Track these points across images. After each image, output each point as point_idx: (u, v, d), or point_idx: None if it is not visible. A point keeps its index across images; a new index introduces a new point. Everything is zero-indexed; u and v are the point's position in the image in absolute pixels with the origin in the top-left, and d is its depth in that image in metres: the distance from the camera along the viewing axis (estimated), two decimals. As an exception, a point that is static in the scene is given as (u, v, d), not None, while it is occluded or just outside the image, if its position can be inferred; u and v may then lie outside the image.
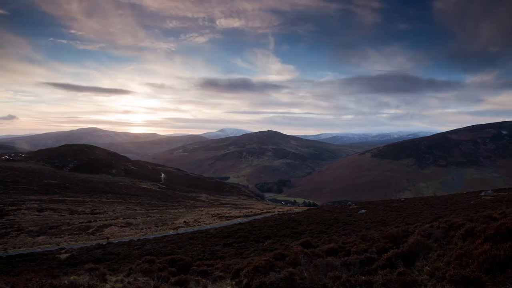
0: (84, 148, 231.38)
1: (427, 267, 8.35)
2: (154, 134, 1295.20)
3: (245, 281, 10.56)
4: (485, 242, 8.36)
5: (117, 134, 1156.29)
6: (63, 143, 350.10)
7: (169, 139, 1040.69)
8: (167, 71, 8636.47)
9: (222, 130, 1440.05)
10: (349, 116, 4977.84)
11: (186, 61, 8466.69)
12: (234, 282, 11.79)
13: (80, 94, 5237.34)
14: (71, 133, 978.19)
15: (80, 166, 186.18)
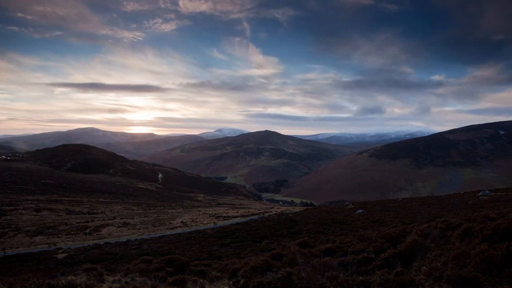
0: (82, 148, 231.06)
1: (424, 267, 8.33)
2: (151, 134, 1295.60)
3: (242, 281, 10.54)
4: (482, 242, 8.36)
5: (114, 134, 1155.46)
6: (60, 143, 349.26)
7: (166, 139, 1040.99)
8: (141, 65, 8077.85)
9: (219, 130, 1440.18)
10: (344, 115, 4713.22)
11: (159, 53, 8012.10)
12: (231, 282, 11.77)
13: (58, 90, 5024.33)
14: (69, 133, 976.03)
15: (77, 166, 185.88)
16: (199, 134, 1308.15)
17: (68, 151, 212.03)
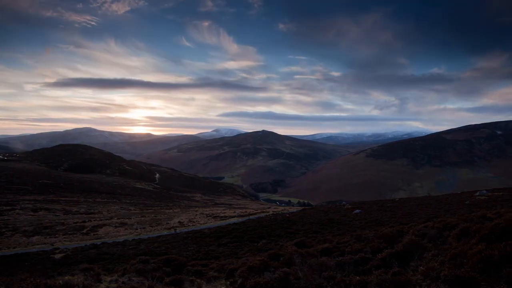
0: (79, 148, 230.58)
1: (421, 267, 8.34)
2: (149, 135, 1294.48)
3: (239, 281, 10.54)
4: (479, 242, 8.38)
5: (111, 134, 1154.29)
6: (58, 143, 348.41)
7: (163, 139, 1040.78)
8: (107, 58, 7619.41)
9: (216, 130, 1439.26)
10: (337, 114, 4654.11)
11: (122, 43, 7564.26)
12: (228, 282, 11.78)
13: (29, 87, 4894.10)
14: (66, 133, 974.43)
15: (74, 166, 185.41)
16: (196, 134, 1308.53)
17: (65, 151, 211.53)
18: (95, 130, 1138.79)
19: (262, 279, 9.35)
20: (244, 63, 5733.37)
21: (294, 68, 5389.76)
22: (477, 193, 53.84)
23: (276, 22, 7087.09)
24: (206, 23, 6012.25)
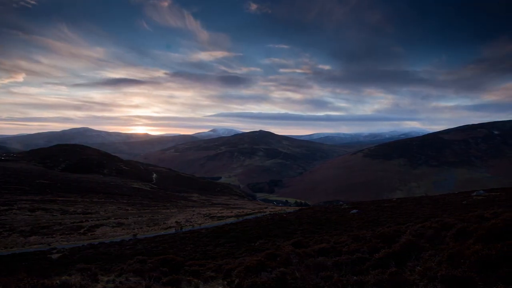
0: (76, 148, 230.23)
1: (418, 267, 8.34)
2: (146, 135, 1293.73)
3: (236, 281, 10.53)
4: (477, 242, 8.38)
5: (108, 134, 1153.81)
6: (55, 143, 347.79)
7: (161, 139, 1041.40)
8: (66, 48, 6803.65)
9: (213, 130, 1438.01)
10: (331, 113, 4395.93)
11: (77, 27, 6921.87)
12: (225, 282, 11.77)
13: None
14: (63, 133, 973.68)
15: (71, 166, 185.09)
16: (194, 134, 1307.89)
17: (63, 151, 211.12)
18: (92, 130, 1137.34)
19: (259, 279, 9.34)
20: (219, 54, 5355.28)
21: (277, 60, 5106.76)
22: (474, 193, 53.90)
23: (247, 0, 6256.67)
24: (165, 3, 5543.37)
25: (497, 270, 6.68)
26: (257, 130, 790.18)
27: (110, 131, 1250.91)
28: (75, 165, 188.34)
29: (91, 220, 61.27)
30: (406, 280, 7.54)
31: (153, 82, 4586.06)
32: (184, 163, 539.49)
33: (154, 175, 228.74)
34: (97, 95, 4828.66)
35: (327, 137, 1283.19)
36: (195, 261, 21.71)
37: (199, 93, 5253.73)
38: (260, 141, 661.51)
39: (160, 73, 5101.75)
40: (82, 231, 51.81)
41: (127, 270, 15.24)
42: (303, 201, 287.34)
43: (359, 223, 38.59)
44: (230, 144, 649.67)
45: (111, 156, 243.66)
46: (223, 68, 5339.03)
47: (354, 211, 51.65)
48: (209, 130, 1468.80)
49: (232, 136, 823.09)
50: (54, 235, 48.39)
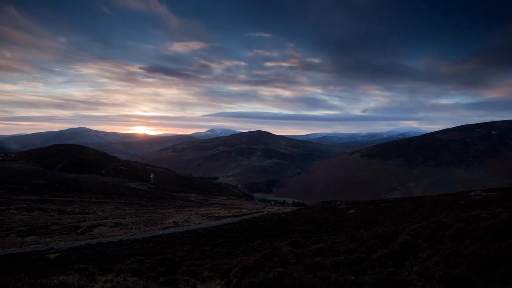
0: (74, 148, 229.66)
1: (416, 267, 8.35)
2: (145, 135, 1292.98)
3: (234, 281, 10.53)
4: (474, 242, 8.40)
5: (106, 134, 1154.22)
6: (52, 143, 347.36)
7: (158, 139, 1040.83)
8: (25, 39, 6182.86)
9: (211, 130, 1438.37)
10: (326, 112, 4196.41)
11: (27, 11, 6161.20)
12: (223, 282, 11.76)
13: None
14: (61, 133, 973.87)
15: (69, 166, 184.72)
16: (191, 134, 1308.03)
17: (60, 151, 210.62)
18: (89, 130, 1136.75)
19: (257, 279, 9.34)
20: (195, 45, 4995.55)
21: (261, 52, 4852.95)
22: (472, 193, 54.00)
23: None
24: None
25: (495, 270, 6.69)
26: (255, 130, 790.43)
27: (107, 131, 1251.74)
28: (73, 165, 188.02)
29: (89, 220, 61.15)
30: (404, 280, 7.54)
31: (132, 79, 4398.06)
32: (181, 163, 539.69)
33: (152, 175, 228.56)
34: (77, 93, 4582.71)
35: (325, 137, 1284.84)
36: (193, 261, 21.74)
37: (183, 91, 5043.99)
38: (257, 141, 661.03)
39: (135, 68, 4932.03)
40: (79, 231, 51.72)
41: (124, 270, 15.24)
42: (300, 201, 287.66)
43: (356, 223, 38.66)
44: (228, 144, 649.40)
45: (109, 156, 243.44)
46: (203, 61, 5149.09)
47: (352, 211, 51.71)
48: (207, 130, 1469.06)
49: (229, 136, 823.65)
50: (51, 235, 48.32)
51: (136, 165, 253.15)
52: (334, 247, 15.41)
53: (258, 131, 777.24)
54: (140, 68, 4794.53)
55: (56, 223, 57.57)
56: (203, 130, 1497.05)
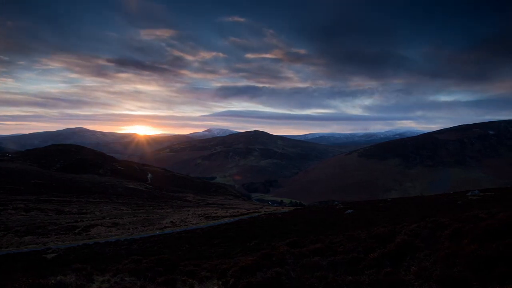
0: (71, 148, 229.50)
1: (414, 267, 8.34)
2: (142, 135, 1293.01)
3: (232, 281, 10.52)
4: (472, 242, 8.39)
5: (103, 134, 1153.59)
6: (50, 143, 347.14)
7: (156, 139, 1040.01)
8: None
9: (208, 130, 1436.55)
10: (318, 110, 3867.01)
11: None
12: (221, 282, 11.75)
13: None
14: (58, 133, 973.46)
15: (67, 166, 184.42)
16: (189, 134, 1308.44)
17: (58, 151, 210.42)
18: (87, 130, 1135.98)
19: (254, 279, 9.33)
20: (163, 33, 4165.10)
21: (238, 41, 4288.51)
22: (469, 193, 54.04)
23: None
24: None
25: (493, 270, 6.69)
26: (252, 130, 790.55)
27: (105, 131, 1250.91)
28: (70, 165, 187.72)
29: (86, 220, 61.09)
30: (401, 280, 7.54)
31: (103, 74, 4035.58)
32: (179, 163, 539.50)
33: (149, 175, 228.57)
34: (53, 90, 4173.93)
35: (322, 137, 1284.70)
36: (190, 261, 21.69)
37: (164, 87, 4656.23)
38: (255, 141, 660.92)
39: (103, 61, 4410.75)
40: (77, 231, 51.67)
41: (122, 270, 15.21)
42: (298, 201, 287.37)
43: (354, 223, 38.67)
44: (225, 144, 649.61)
45: (106, 156, 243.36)
46: (176, 52, 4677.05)
47: (349, 211, 51.72)
48: (204, 130, 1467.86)
49: (227, 136, 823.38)
50: (49, 235, 48.26)
51: (133, 165, 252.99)
52: (331, 247, 15.40)
53: (255, 131, 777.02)
54: (108, 60, 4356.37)
55: (53, 223, 57.53)
56: (201, 130, 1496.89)
